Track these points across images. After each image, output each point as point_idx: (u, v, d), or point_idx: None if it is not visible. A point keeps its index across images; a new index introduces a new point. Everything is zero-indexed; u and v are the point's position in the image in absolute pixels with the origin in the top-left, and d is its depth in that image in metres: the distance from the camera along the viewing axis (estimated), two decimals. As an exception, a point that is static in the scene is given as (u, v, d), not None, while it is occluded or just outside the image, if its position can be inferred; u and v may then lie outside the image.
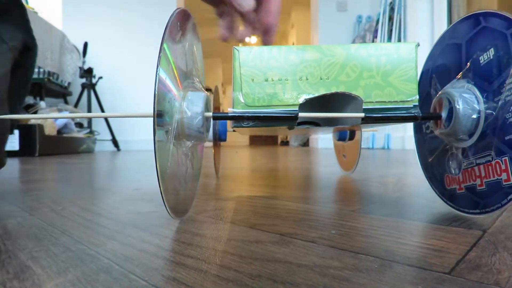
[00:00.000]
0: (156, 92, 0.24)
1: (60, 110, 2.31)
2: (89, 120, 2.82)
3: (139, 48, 2.96)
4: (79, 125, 2.64)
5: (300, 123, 0.39)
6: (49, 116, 0.31)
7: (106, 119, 2.81)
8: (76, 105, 2.84)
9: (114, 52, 2.98)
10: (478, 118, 0.30)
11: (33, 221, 0.33)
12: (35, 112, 2.00)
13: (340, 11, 3.25)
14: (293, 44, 6.00)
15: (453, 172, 0.34)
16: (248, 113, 0.33)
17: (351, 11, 3.25)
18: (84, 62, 2.87)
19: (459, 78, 0.33)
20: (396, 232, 0.28)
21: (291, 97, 0.33)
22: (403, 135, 2.48)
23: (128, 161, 1.39)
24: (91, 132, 2.73)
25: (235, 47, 0.34)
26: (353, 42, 3.15)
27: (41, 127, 1.96)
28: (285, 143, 5.27)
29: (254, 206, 0.39)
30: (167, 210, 0.28)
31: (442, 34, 0.36)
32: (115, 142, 2.86)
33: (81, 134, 2.53)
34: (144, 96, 2.81)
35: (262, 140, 7.08)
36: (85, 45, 2.84)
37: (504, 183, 0.28)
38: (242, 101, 0.33)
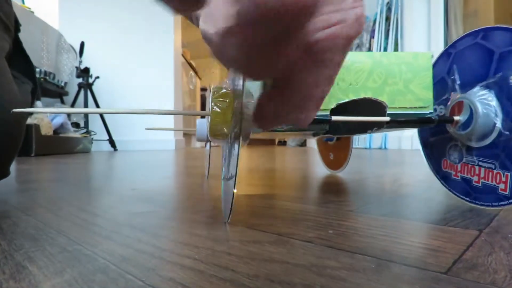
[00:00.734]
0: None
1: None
2: (86, 120, 2.81)
3: (136, 47, 2.96)
4: (76, 125, 2.63)
5: (326, 132, 0.40)
6: (59, 111, 0.31)
7: (103, 119, 2.80)
8: (72, 105, 2.83)
9: (111, 51, 2.97)
10: (493, 130, 0.32)
11: (29, 221, 0.33)
12: (31, 113, 1.98)
13: (337, 11, 3.25)
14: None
15: (452, 160, 0.36)
16: None
17: (348, 11, 3.25)
18: (80, 62, 2.86)
19: (483, 86, 0.33)
20: (393, 232, 0.28)
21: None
22: (400, 135, 2.48)
23: (125, 161, 1.38)
24: (88, 132, 2.72)
25: None
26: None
27: (37, 127, 1.95)
28: (283, 143, 5.28)
29: (251, 206, 0.39)
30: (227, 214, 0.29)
31: (476, 30, 0.35)
32: (112, 142, 2.85)
33: (77, 134, 2.52)
34: (142, 96, 2.80)
35: (259, 139, 7.09)
36: (82, 44, 2.83)
37: (499, 191, 0.31)
38: None
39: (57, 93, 2.76)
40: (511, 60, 0.31)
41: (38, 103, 2.13)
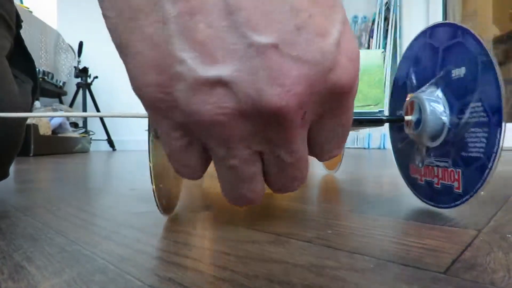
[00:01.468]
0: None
1: (55, 110, 2.30)
2: (84, 120, 2.81)
3: (135, 47, 2.95)
4: (74, 125, 2.63)
5: None
6: (45, 115, 0.31)
7: (101, 119, 2.80)
8: (71, 105, 2.83)
9: (109, 51, 2.95)
10: (442, 129, 0.32)
11: (28, 221, 0.33)
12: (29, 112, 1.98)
13: (336, 11, 3.25)
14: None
15: (417, 164, 0.37)
16: None
17: (347, 11, 3.21)
18: (79, 62, 2.85)
19: (431, 84, 0.34)
20: (392, 232, 0.28)
21: None
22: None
23: (124, 161, 1.38)
24: (86, 132, 2.72)
25: None
26: (349, 42, 3.15)
27: (35, 127, 1.94)
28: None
29: (250, 206, 0.39)
30: (157, 206, 0.29)
31: (424, 30, 0.35)
32: (110, 142, 2.85)
33: (76, 134, 2.52)
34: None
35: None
36: (80, 44, 2.83)
37: (455, 190, 0.31)
38: None
39: (56, 93, 2.75)
40: (452, 54, 0.31)
41: (36, 103, 2.13)
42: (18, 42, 0.55)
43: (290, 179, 0.19)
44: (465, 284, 0.18)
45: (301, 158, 0.18)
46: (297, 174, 0.19)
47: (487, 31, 2.33)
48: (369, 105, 0.34)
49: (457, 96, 0.31)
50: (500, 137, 0.27)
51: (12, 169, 0.55)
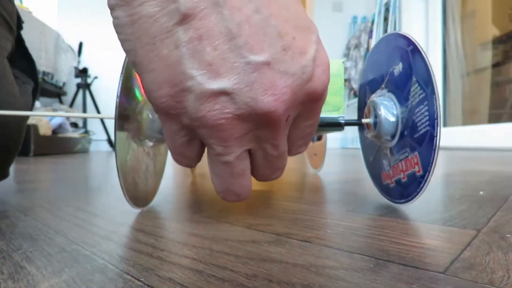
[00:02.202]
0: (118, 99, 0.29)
1: (54, 110, 2.30)
2: (84, 120, 2.81)
3: (135, 48, 2.95)
4: (74, 125, 2.63)
5: None
6: (44, 114, 0.32)
7: (101, 119, 2.80)
8: (71, 105, 2.83)
9: (109, 52, 2.97)
10: (397, 121, 0.35)
11: (27, 221, 0.33)
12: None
13: (335, 11, 3.26)
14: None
15: (386, 169, 0.38)
16: None
17: (346, 11, 3.26)
18: (79, 62, 2.85)
19: (382, 88, 0.38)
20: (391, 232, 0.28)
21: None
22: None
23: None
24: (86, 132, 2.72)
25: None
26: (349, 42, 3.16)
27: (35, 127, 1.94)
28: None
29: (250, 206, 0.39)
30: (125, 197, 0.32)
31: (371, 50, 0.40)
32: (110, 142, 2.85)
33: (76, 134, 2.52)
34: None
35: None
36: (80, 44, 2.83)
37: (417, 174, 0.32)
38: None
39: (56, 93, 2.75)
40: (392, 56, 0.36)
41: (36, 103, 2.13)
42: (19, 43, 0.55)
43: (275, 170, 0.24)
44: (464, 283, 0.18)
45: (283, 152, 0.22)
46: (280, 165, 0.23)
47: (486, 32, 2.33)
48: (331, 111, 0.37)
49: (401, 88, 0.35)
50: (436, 103, 0.30)
51: (12, 169, 0.55)
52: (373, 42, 2.83)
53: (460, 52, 2.44)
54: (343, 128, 0.37)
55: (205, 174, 0.75)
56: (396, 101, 0.35)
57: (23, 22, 0.56)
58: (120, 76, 0.30)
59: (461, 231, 0.28)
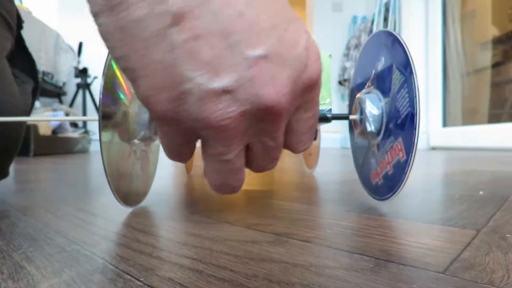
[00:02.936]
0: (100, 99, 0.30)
1: (54, 110, 2.30)
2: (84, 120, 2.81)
3: (135, 48, 2.95)
4: (74, 125, 2.63)
5: None
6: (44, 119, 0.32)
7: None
8: (71, 105, 2.82)
9: (109, 52, 2.96)
10: (382, 114, 0.35)
11: (27, 221, 0.33)
12: (30, 112, 1.98)
13: (335, 11, 3.25)
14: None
15: (374, 167, 0.38)
16: None
17: (346, 11, 3.26)
18: (79, 62, 2.85)
19: (368, 86, 0.39)
20: (391, 232, 0.28)
21: None
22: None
23: (123, 161, 1.38)
24: (86, 132, 2.72)
25: None
26: (348, 42, 3.15)
27: (35, 127, 1.94)
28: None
29: (249, 206, 0.39)
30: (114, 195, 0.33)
31: (360, 52, 0.42)
32: (110, 142, 2.84)
33: (76, 134, 2.52)
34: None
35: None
36: (80, 45, 2.83)
37: (401, 160, 0.32)
38: None
39: (55, 93, 2.75)
40: (378, 52, 0.37)
41: (36, 103, 2.13)
42: (19, 43, 0.55)
43: (272, 160, 0.23)
44: (464, 283, 0.18)
45: (281, 143, 0.22)
46: (277, 155, 0.23)
47: (486, 32, 2.33)
48: (320, 103, 0.37)
49: (384, 80, 0.36)
50: (415, 83, 0.31)
51: (12, 169, 0.55)
52: (373, 42, 2.83)
53: (460, 52, 2.44)
54: (330, 121, 0.37)
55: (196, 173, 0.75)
56: (381, 95, 0.36)
57: (23, 21, 0.56)
58: (103, 76, 0.30)
59: (461, 231, 0.28)
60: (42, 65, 2.47)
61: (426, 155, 1.61)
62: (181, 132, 0.20)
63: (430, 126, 2.50)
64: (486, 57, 2.31)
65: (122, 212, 0.37)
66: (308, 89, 0.20)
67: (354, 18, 3.23)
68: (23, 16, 0.58)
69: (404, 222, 0.31)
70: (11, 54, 0.51)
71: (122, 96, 0.33)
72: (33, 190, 0.54)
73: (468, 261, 0.21)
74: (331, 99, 0.37)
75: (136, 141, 0.34)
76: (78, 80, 2.82)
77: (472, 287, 0.17)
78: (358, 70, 0.43)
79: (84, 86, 2.79)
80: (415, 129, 0.30)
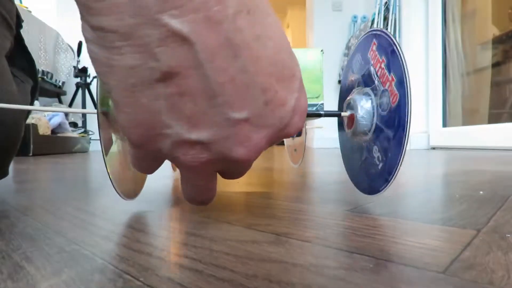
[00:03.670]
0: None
1: (54, 110, 2.29)
2: (84, 120, 2.81)
3: (134, 47, 2.94)
4: (74, 124, 2.62)
5: None
6: (57, 110, 0.32)
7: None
8: (70, 105, 2.82)
9: (109, 51, 2.96)
10: (372, 116, 0.36)
11: (27, 221, 0.33)
12: (29, 111, 1.98)
13: (335, 10, 3.25)
14: (289, 44, 6.01)
15: (367, 162, 0.39)
16: None
17: (346, 11, 3.26)
18: (78, 62, 2.85)
19: (360, 86, 0.39)
20: (391, 232, 0.28)
21: None
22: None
23: (123, 160, 1.38)
24: (86, 131, 2.71)
25: None
26: (349, 42, 3.16)
27: (35, 126, 1.94)
28: (280, 142, 5.27)
29: (249, 206, 0.39)
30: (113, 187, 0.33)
31: (359, 41, 0.41)
32: (110, 142, 2.84)
33: (75, 133, 2.51)
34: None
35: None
36: (80, 44, 2.82)
37: (393, 152, 0.33)
38: None
39: (55, 92, 2.75)
40: (372, 54, 0.37)
41: (35, 103, 2.13)
42: (19, 42, 0.55)
43: (239, 174, 0.24)
44: (464, 283, 0.18)
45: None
46: (244, 171, 0.24)
47: (486, 31, 2.33)
48: (310, 98, 0.37)
49: (372, 80, 0.36)
50: (401, 57, 0.32)
51: (11, 169, 0.55)
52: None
53: (460, 51, 2.44)
54: (322, 116, 0.38)
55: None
56: (371, 92, 0.36)
57: (22, 21, 0.56)
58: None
59: (461, 231, 0.28)
60: (41, 64, 2.46)
61: (426, 155, 1.61)
62: (152, 156, 0.21)
63: (430, 126, 2.50)
64: (486, 57, 2.31)
65: (122, 212, 0.37)
66: (283, 137, 0.21)
67: (354, 18, 3.23)
68: (23, 15, 0.58)
69: (404, 222, 0.31)
70: (10, 53, 0.51)
71: None
72: (32, 190, 0.54)
73: (468, 261, 0.21)
74: (322, 94, 0.37)
75: None
76: (78, 79, 2.82)
77: (472, 287, 0.17)
78: (351, 64, 0.43)
79: (84, 85, 2.79)
80: (407, 109, 0.31)
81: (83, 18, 0.16)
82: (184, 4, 0.15)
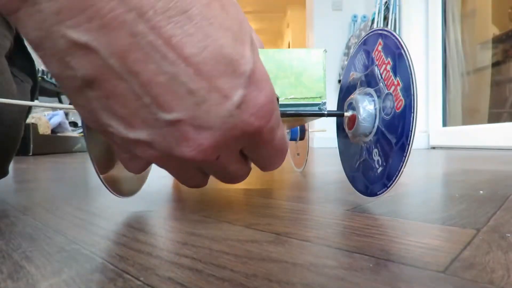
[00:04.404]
0: None
1: (54, 109, 2.29)
2: (84, 119, 2.80)
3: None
4: (74, 124, 2.62)
5: None
6: (57, 106, 0.32)
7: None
8: (70, 104, 2.82)
9: (109, 50, 2.96)
10: (374, 119, 0.36)
11: (27, 221, 0.33)
12: (29, 111, 1.98)
13: (335, 10, 3.25)
14: (289, 44, 6.00)
15: (367, 164, 0.38)
16: None
17: (346, 10, 3.26)
18: (78, 61, 2.84)
19: (362, 86, 0.39)
20: (391, 231, 0.28)
21: None
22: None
23: (123, 160, 1.38)
24: (86, 131, 2.71)
25: None
26: (349, 41, 3.15)
27: (35, 126, 1.94)
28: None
29: (249, 205, 0.39)
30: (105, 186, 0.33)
31: (362, 38, 0.41)
32: (110, 141, 2.84)
33: (75, 133, 2.51)
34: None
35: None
36: (80, 43, 2.82)
37: (395, 152, 0.33)
38: None
39: (55, 92, 2.75)
40: (377, 53, 0.37)
41: (35, 102, 2.12)
42: (19, 41, 0.55)
43: (232, 178, 0.25)
44: (464, 283, 0.18)
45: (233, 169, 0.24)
46: (236, 175, 0.25)
47: (486, 31, 2.33)
48: (313, 97, 0.38)
49: (376, 82, 0.36)
50: (407, 58, 0.31)
51: (11, 168, 0.55)
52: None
53: (460, 51, 2.44)
54: (325, 116, 0.38)
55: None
56: (374, 93, 0.36)
57: None
58: None
59: (461, 230, 0.28)
60: (41, 64, 2.46)
61: (426, 155, 1.61)
62: (122, 150, 0.22)
63: (430, 126, 2.50)
64: (486, 56, 2.31)
65: (121, 211, 0.37)
66: (245, 139, 0.20)
67: (354, 17, 3.23)
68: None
69: (404, 222, 0.31)
70: (10, 53, 0.51)
71: None
72: (32, 190, 0.54)
73: (468, 261, 0.21)
74: (325, 94, 0.37)
75: None
76: (78, 79, 2.81)
77: (472, 287, 0.17)
78: (352, 62, 0.42)
79: (84, 85, 2.78)
80: (413, 119, 0.31)
81: None
82: (78, 14, 0.15)
